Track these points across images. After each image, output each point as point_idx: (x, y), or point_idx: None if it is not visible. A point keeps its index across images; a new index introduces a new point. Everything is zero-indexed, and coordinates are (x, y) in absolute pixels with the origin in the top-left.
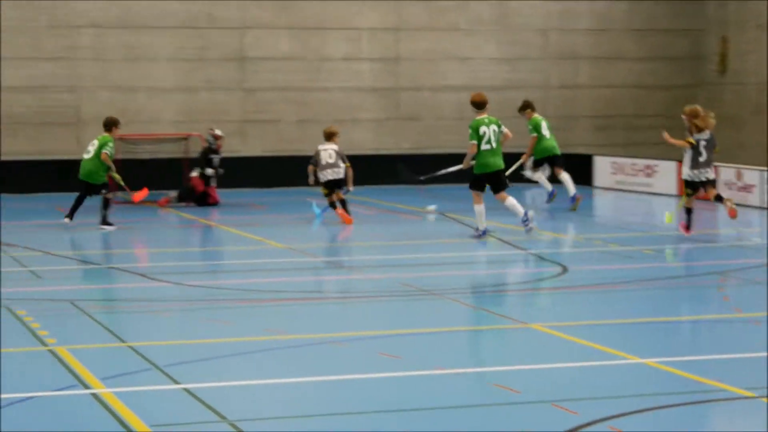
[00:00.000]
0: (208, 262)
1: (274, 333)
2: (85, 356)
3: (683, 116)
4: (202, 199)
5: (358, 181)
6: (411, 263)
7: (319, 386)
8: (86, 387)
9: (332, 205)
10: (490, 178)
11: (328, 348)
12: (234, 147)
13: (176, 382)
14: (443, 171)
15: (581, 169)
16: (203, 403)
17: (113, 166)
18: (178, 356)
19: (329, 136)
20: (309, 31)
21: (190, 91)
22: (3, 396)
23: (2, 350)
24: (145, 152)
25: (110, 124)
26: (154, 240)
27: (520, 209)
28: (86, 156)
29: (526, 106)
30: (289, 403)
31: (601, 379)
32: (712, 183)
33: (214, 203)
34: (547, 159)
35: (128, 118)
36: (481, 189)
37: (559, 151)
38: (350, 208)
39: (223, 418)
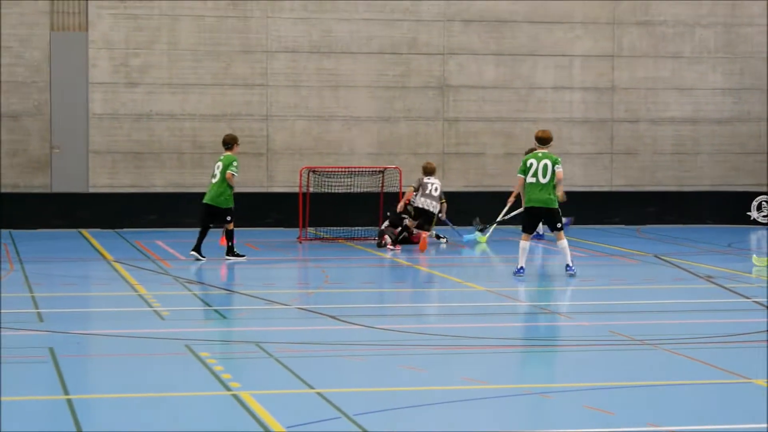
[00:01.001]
0: (402, 305)
1: (473, 382)
2: (270, 402)
3: None
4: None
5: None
6: (622, 309)
7: None
8: None
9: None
10: (540, 214)
11: (531, 399)
12: (442, 181)
13: None
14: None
15: None
16: None
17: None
18: (368, 404)
19: (432, 171)
20: (517, 57)
21: (388, 120)
22: None
23: (183, 394)
24: (340, 185)
25: (232, 142)
26: (345, 279)
27: (569, 256)
28: (213, 180)
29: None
30: None
31: None
32: None
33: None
34: None
35: (322, 149)
36: (530, 228)
37: None
38: (554, 247)
39: None
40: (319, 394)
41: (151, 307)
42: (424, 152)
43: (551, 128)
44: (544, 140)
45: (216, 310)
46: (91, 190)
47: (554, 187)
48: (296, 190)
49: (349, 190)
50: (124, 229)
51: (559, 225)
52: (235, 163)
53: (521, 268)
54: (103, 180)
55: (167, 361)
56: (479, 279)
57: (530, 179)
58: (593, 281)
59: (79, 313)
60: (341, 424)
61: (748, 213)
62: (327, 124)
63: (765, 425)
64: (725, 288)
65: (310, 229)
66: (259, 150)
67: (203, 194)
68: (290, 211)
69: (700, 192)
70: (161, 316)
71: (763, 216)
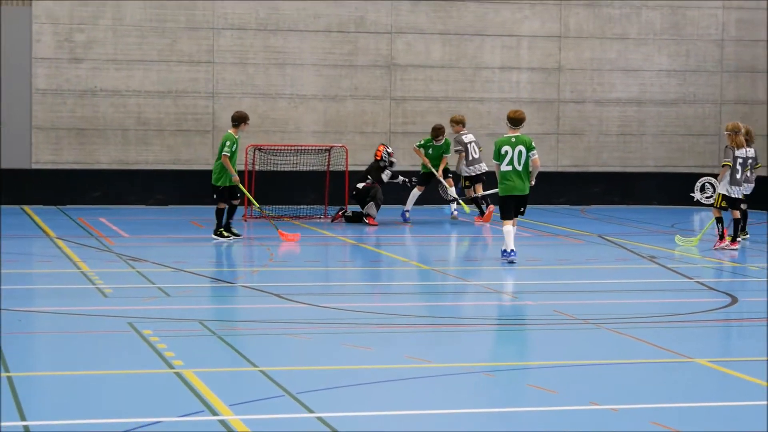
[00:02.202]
0: (347, 283)
1: (417, 361)
2: (213, 380)
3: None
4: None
5: None
6: (566, 289)
7: (461, 419)
8: (214, 413)
9: (474, 201)
10: (517, 202)
11: (473, 378)
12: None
13: (309, 411)
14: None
15: (757, 191)
16: None
17: (235, 174)
18: (312, 383)
19: (462, 123)
20: (464, 37)
21: (335, 99)
22: (126, 420)
23: (126, 371)
24: (286, 163)
25: (239, 120)
26: (290, 258)
27: (511, 243)
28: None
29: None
30: None
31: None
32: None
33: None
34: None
35: (268, 126)
36: (509, 215)
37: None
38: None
39: None
40: (262, 372)
41: (93, 284)
42: (371, 131)
43: (496, 108)
44: (516, 121)
45: (159, 288)
46: (35, 167)
47: (529, 173)
48: (242, 167)
49: (295, 168)
50: (68, 206)
51: (522, 210)
52: (228, 143)
53: (512, 250)
54: (46, 156)
55: (110, 339)
56: (426, 258)
57: (505, 167)
58: (538, 261)
59: (21, 290)
60: (284, 402)
61: (692, 194)
62: (273, 101)
63: (706, 404)
64: (668, 268)
65: (255, 207)
66: (205, 127)
67: (147, 171)
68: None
69: (644, 173)
70: (104, 293)
71: (707, 197)
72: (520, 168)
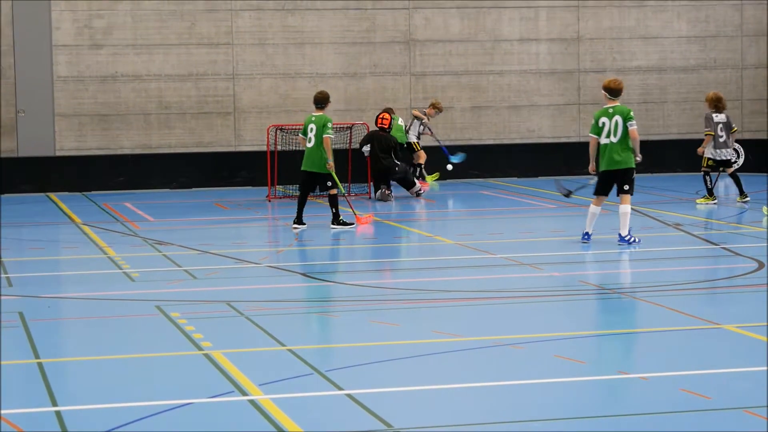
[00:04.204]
0: (373, 260)
1: (445, 335)
2: (242, 361)
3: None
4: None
5: (536, 172)
6: (592, 260)
7: (492, 392)
8: (243, 393)
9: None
10: (614, 177)
11: (502, 351)
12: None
13: (339, 388)
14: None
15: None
16: (367, 409)
17: (332, 159)
18: (341, 360)
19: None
20: (481, 10)
21: (355, 77)
22: (156, 403)
23: (155, 354)
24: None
25: (324, 101)
26: (315, 236)
27: (627, 226)
28: (309, 145)
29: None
30: (459, 410)
31: None
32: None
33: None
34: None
35: (289, 106)
36: (602, 191)
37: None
38: (524, 199)
39: (389, 425)
40: (290, 351)
41: (120, 269)
42: (393, 107)
43: (517, 81)
44: (614, 91)
45: (186, 271)
46: (59, 154)
47: (629, 146)
48: (264, 148)
49: None
50: (93, 192)
51: (626, 187)
52: (329, 125)
53: (587, 233)
54: (70, 143)
55: (138, 323)
56: (448, 232)
57: (603, 140)
58: (563, 232)
59: (49, 276)
60: (313, 380)
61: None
62: (293, 81)
63: (734, 370)
64: (693, 235)
65: (279, 188)
66: (227, 109)
67: (170, 155)
68: (259, 169)
69: (667, 140)
70: (131, 277)
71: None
72: (615, 140)
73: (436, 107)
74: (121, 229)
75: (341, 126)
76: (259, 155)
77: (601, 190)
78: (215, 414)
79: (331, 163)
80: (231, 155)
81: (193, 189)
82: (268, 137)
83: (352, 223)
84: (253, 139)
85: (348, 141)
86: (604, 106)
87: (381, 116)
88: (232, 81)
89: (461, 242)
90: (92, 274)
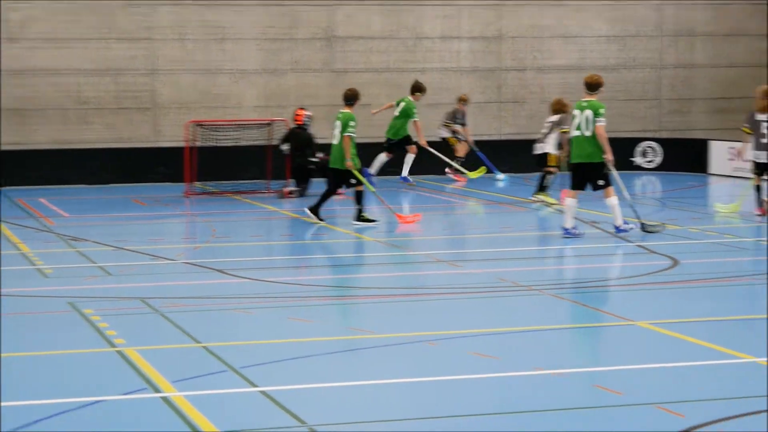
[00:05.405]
0: (290, 257)
1: (361, 332)
2: (156, 358)
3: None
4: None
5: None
6: (509, 257)
7: (407, 389)
8: (156, 390)
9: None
10: (582, 170)
11: (417, 348)
12: (322, 133)
13: (253, 385)
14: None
15: (696, 154)
16: (282, 407)
17: (350, 158)
18: (255, 357)
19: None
20: (404, 7)
21: (275, 73)
22: (66, 400)
23: (67, 351)
24: (227, 139)
25: (353, 98)
26: (233, 233)
27: (619, 217)
28: (335, 142)
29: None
30: (374, 407)
31: (711, 380)
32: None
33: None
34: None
35: (209, 102)
36: (576, 186)
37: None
38: (444, 197)
39: (303, 422)
40: (205, 348)
41: (34, 265)
42: (312, 104)
43: (439, 78)
44: (591, 86)
45: (101, 267)
46: None
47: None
48: (183, 144)
49: (236, 144)
50: (7, 188)
51: (601, 182)
52: (352, 123)
53: (568, 228)
54: None
55: (50, 320)
56: (367, 230)
57: (574, 132)
58: (482, 229)
59: None
60: (228, 377)
61: (632, 159)
62: (214, 77)
63: (648, 366)
64: (609, 233)
65: (198, 184)
66: (145, 105)
67: (88, 150)
68: (178, 165)
69: None
70: (44, 274)
71: (648, 161)
72: (588, 133)
73: (463, 100)
74: (36, 225)
75: (261, 123)
76: (178, 151)
77: (576, 185)
78: (127, 411)
79: (350, 162)
80: (150, 151)
81: (111, 185)
82: (187, 133)
83: (375, 220)
84: (172, 134)
85: (268, 137)
86: (581, 99)
87: (297, 113)
88: (152, 76)
89: (381, 239)
90: (5, 271)
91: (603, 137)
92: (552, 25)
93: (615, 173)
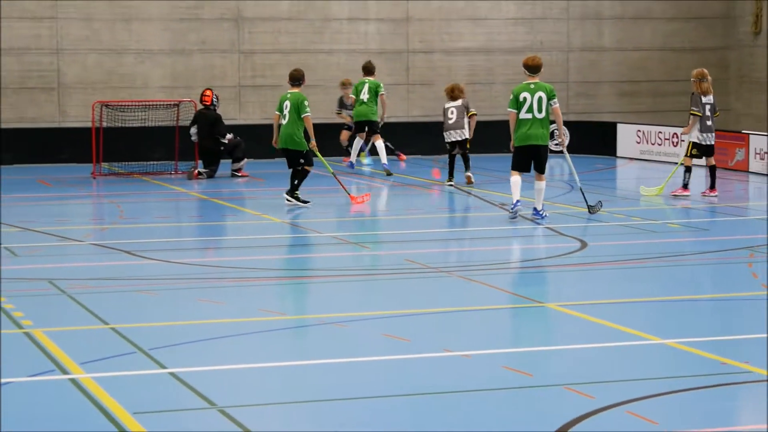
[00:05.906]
0: (198, 238)
1: (271, 314)
2: (63, 339)
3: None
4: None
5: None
6: (418, 238)
7: (317, 369)
8: (64, 372)
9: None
10: (532, 153)
11: (328, 329)
12: (230, 114)
13: (162, 367)
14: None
15: (603, 137)
16: (191, 388)
17: (313, 137)
18: (164, 339)
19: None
20: None
21: (183, 53)
22: None
23: None
24: (134, 119)
25: (301, 78)
26: (141, 214)
27: (541, 201)
28: (283, 122)
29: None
30: (284, 388)
31: (619, 361)
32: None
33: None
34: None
35: (115, 83)
36: (522, 168)
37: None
38: (356, 179)
39: (212, 404)
40: (113, 329)
41: None
42: (220, 85)
43: (345, 60)
44: (533, 68)
45: (6, 248)
46: None
47: (550, 122)
48: (89, 125)
49: (143, 125)
50: None
51: (543, 164)
52: (306, 103)
53: (517, 201)
54: None
55: None
56: (276, 211)
57: (524, 115)
58: (389, 211)
59: None
60: (136, 359)
61: None
62: (120, 57)
63: (555, 347)
64: (520, 215)
65: (105, 165)
66: (50, 84)
67: None
68: (84, 146)
69: (494, 121)
70: None
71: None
72: (540, 116)
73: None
74: None
75: (168, 103)
76: (84, 132)
77: (521, 166)
78: (34, 393)
79: (314, 142)
80: (55, 131)
81: (15, 165)
82: (93, 114)
83: (308, 202)
84: (78, 115)
85: (176, 118)
86: (524, 82)
87: (205, 93)
88: (57, 56)
89: (289, 221)
90: None
91: (560, 117)
92: (460, 7)
93: (567, 155)
